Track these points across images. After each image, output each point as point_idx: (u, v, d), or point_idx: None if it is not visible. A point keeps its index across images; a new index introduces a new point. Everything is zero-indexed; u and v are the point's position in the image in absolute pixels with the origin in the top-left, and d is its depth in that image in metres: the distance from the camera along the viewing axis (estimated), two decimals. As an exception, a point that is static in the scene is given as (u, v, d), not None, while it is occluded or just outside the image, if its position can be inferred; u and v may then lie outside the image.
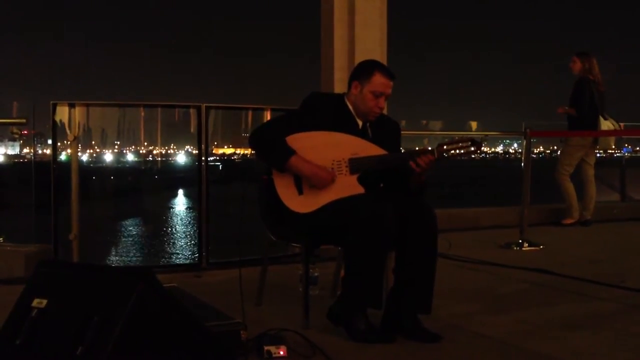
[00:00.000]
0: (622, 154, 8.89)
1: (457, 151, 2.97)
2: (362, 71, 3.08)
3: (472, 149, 2.97)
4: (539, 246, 5.35)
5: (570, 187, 6.61)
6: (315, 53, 5.26)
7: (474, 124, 7.35)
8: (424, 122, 7.60)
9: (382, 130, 3.15)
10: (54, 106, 4.33)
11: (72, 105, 4.39)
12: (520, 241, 5.36)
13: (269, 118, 4.78)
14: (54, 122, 4.32)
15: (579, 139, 6.55)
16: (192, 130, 4.60)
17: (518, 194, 5.61)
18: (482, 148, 3.12)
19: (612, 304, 3.51)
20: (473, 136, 3.98)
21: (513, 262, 4.53)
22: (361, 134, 3.07)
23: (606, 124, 6.52)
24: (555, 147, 7.46)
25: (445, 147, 2.96)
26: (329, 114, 3.05)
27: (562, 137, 6.82)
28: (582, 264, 4.63)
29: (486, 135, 7.23)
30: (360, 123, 3.11)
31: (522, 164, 5.59)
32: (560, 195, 6.68)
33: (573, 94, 6.57)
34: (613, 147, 7.04)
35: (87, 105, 4.49)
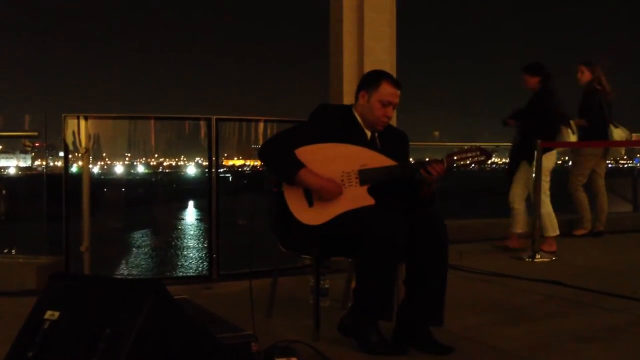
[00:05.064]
0: (634, 164, 8.85)
1: (467, 161, 2.97)
2: (369, 81, 3.10)
3: (482, 158, 2.97)
4: (551, 257, 5.32)
5: (583, 198, 6.57)
6: (324, 65, 5.27)
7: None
8: (436, 133, 7.57)
9: (390, 140, 3.15)
10: (66, 119, 4.36)
11: (84, 118, 4.42)
12: (532, 252, 5.33)
13: (277, 130, 4.79)
14: (66, 134, 4.36)
15: (590, 148, 6.50)
16: (202, 142, 4.62)
17: (529, 205, 5.58)
18: (493, 158, 3.11)
19: (625, 316, 3.47)
20: (482, 146, 3.98)
21: (525, 273, 4.51)
22: (370, 144, 3.08)
23: (617, 132, 6.47)
24: (566, 158, 7.39)
25: (455, 157, 2.96)
26: (338, 125, 3.06)
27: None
28: (594, 275, 4.60)
29: (497, 145, 7.21)
30: (368, 134, 3.11)
31: (534, 175, 5.56)
32: (574, 206, 6.63)
33: (582, 104, 6.53)
34: (625, 156, 7.00)
35: (98, 118, 4.52)
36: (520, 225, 5.72)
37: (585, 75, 6.51)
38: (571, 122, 5.79)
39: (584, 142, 6.49)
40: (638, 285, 4.10)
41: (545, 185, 5.61)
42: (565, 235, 6.60)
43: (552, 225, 5.57)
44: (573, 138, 5.79)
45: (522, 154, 5.65)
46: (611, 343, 2.99)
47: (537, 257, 5.29)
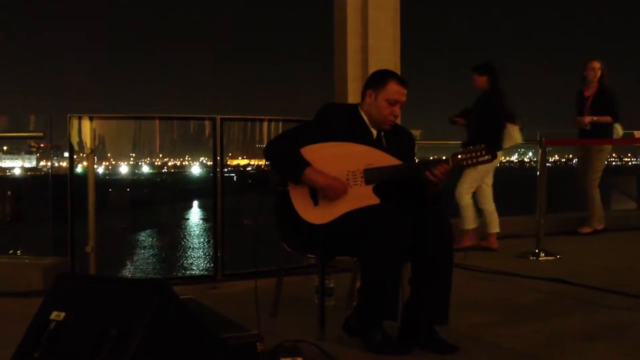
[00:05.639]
0: (638, 162, 8.83)
1: (473, 160, 2.96)
2: (376, 80, 3.10)
3: (487, 157, 2.96)
4: (555, 256, 5.31)
5: (598, 196, 6.55)
6: (329, 64, 5.27)
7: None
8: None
9: (396, 140, 3.15)
10: (71, 119, 4.37)
11: (89, 118, 4.43)
12: (536, 251, 5.33)
13: (283, 129, 4.79)
14: (71, 135, 4.36)
15: (607, 145, 6.50)
16: (207, 142, 4.63)
17: (533, 203, 5.57)
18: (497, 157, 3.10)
19: (630, 314, 3.47)
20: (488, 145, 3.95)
21: (530, 272, 4.50)
22: (376, 143, 3.08)
23: (619, 128, 6.47)
24: (571, 156, 7.37)
25: (460, 156, 2.96)
26: (344, 124, 3.06)
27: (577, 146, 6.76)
28: (599, 273, 4.59)
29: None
30: (374, 133, 3.11)
31: (538, 173, 5.55)
32: (588, 203, 6.58)
33: (609, 101, 6.43)
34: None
35: (103, 118, 4.53)
36: (496, 224, 5.75)
37: (600, 73, 6.46)
38: (518, 121, 5.73)
39: (595, 140, 6.46)
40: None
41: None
42: (570, 233, 6.59)
43: (492, 222, 5.71)
44: (519, 135, 5.73)
45: None
46: (616, 341, 2.98)
47: (541, 255, 5.28)
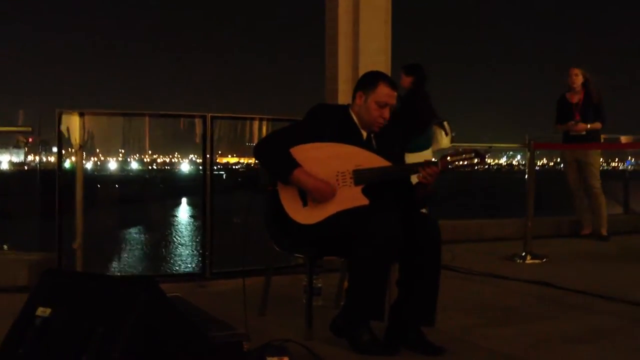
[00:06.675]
0: (625, 167, 8.90)
1: (461, 163, 2.98)
2: (367, 82, 3.10)
3: (476, 160, 2.98)
4: (542, 259, 5.34)
5: (600, 200, 6.63)
6: (319, 64, 5.27)
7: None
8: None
9: (386, 141, 3.15)
10: (60, 115, 4.35)
11: (78, 114, 4.40)
12: (523, 253, 5.35)
13: (273, 128, 4.78)
14: (60, 130, 4.34)
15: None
16: (197, 139, 4.61)
17: (521, 206, 5.60)
18: (486, 160, 3.12)
19: (616, 318, 3.49)
20: (477, 148, 3.97)
21: (516, 274, 4.52)
22: (366, 145, 3.08)
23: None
24: (558, 160, 7.39)
25: (449, 158, 2.97)
26: (334, 125, 3.06)
27: (564, 150, 6.81)
28: (585, 277, 4.62)
29: (490, 147, 7.23)
30: (364, 134, 3.12)
31: (526, 176, 5.58)
32: (591, 206, 6.64)
33: (597, 107, 6.50)
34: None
35: (93, 114, 4.51)
36: None
37: (580, 79, 6.54)
38: (444, 123, 5.68)
39: (583, 144, 6.50)
40: (628, 287, 4.13)
41: None
42: (564, 236, 6.63)
43: None
44: (446, 140, 5.69)
45: None
46: (600, 345, 3.00)
47: (528, 258, 5.31)
